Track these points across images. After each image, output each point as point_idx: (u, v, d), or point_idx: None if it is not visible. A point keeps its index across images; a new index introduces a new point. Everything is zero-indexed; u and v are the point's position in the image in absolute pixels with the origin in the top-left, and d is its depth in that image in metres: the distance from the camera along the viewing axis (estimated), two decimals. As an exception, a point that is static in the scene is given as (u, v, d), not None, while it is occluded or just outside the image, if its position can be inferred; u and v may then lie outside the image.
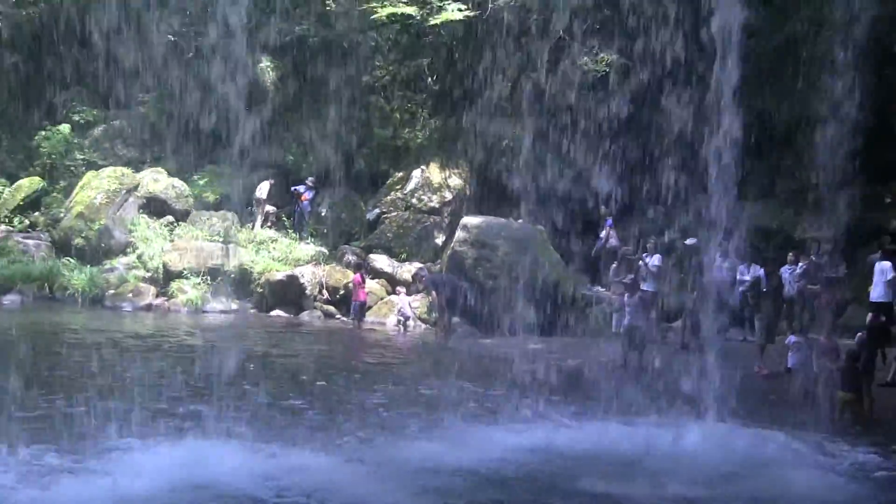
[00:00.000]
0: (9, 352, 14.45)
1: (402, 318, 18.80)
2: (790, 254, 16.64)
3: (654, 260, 17.07)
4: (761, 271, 16.20)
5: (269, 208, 22.77)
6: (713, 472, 8.71)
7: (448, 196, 22.27)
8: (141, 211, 22.11)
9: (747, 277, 16.65)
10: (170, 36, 23.84)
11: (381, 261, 20.90)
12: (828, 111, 15.18)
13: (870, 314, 13.59)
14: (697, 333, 15.12)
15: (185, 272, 20.49)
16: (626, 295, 15.10)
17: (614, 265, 18.06)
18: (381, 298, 20.06)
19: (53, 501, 6.95)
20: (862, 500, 8.15)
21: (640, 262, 17.11)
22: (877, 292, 14.00)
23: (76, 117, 24.58)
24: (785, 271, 16.46)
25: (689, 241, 16.64)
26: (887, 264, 14.39)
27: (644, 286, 16.11)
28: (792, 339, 12.68)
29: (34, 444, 8.43)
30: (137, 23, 22.74)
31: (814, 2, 16.81)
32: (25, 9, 24.96)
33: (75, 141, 24.25)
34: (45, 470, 7.75)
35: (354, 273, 19.50)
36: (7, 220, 22.92)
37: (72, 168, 23.71)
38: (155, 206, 22.28)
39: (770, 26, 17.67)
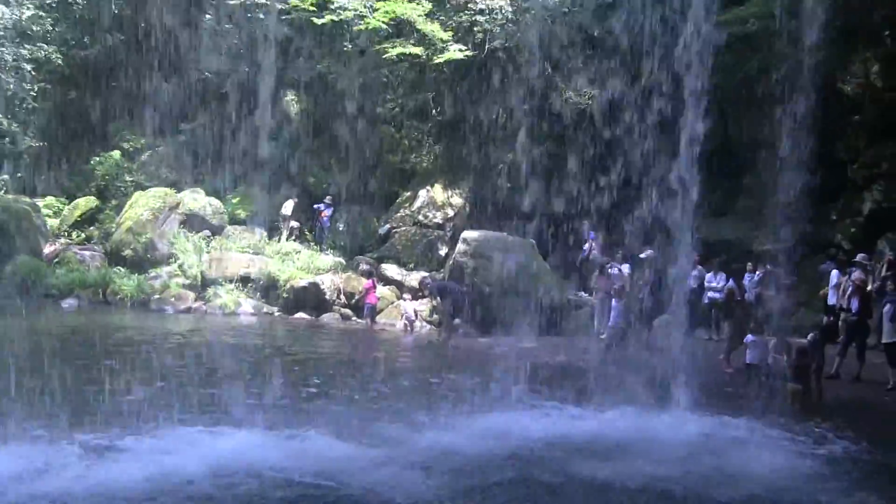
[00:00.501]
0: (73, 347, 14.65)
1: (407, 322, 18.88)
2: (749, 263, 16.76)
3: (624, 269, 17.18)
4: (732, 281, 16.14)
5: (293, 223, 22.78)
6: (682, 453, 8.76)
7: (450, 213, 22.29)
8: (181, 226, 22.13)
9: (714, 284, 16.76)
10: (207, 73, 24.04)
11: (391, 270, 20.97)
12: (782, 138, 15.33)
13: (825, 317, 13.76)
14: (649, 329, 15.31)
15: (220, 280, 20.55)
16: (614, 299, 15.20)
17: (596, 273, 18.17)
18: (392, 303, 20.09)
19: (117, 477, 7.00)
20: (808, 475, 8.19)
21: (611, 270, 17.16)
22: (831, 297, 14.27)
23: (126, 144, 24.72)
24: (745, 279, 16.60)
25: (643, 254, 16.67)
26: (836, 272, 14.60)
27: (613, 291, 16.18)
28: (750, 338, 12.70)
29: (98, 426, 8.55)
30: (179, 62, 22.98)
31: (766, 45, 16.94)
32: (83, 50, 25.18)
33: (125, 165, 24.40)
34: (109, 448, 7.84)
35: (367, 280, 19.57)
36: (66, 234, 23.16)
37: (122, 189, 23.83)
38: (194, 222, 22.32)
39: (731, 65, 17.82)
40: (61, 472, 7.13)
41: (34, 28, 24.46)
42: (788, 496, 7.43)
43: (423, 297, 19.91)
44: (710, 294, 16.72)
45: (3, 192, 23.70)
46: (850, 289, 13.25)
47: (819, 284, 15.59)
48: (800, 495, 7.48)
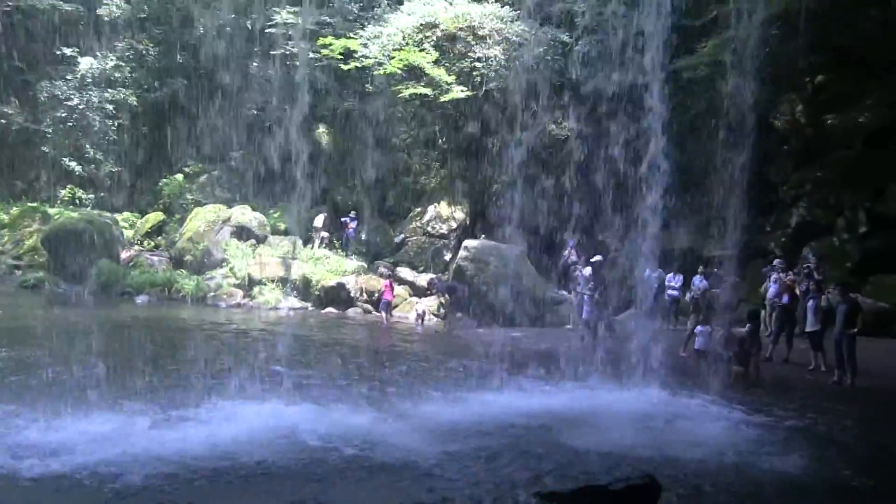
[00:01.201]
0: (146, 334, 14.71)
1: (419, 315, 18.97)
2: (700, 266, 16.82)
3: (586, 271, 17.18)
4: (706, 282, 15.71)
5: (324, 234, 22.82)
6: (643, 423, 8.81)
7: (454, 225, 22.32)
8: (232, 236, 22.17)
9: (673, 283, 16.73)
10: (253, 110, 24.26)
11: (405, 272, 21.00)
12: (726, 163, 15.45)
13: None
14: (596, 321, 15.25)
15: (264, 280, 20.57)
16: (585, 296, 15.21)
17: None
18: (405, 299, 20.18)
19: (181, 439, 7.12)
20: (746, 439, 8.31)
21: (576, 273, 17.16)
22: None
23: (187, 169, 24.83)
24: (695, 279, 16.64)
25: (593, 259, 16.72)
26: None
27: (579, 289, 16.11)
28: (699, 328, 12.80)
29: (163, 400, 8.65)
30: (230, 100, 23.22)
31: (713, 86, 17.07)
32: (153, 93, 25.44)
33: (186, 186, 24.51)
34: (174, 418, 7.97)
35: (384, 280, 19.61)
36: (139, 243, 23.27)
37: (183, 205, 23.93)
38: (242, 233, 22.34)
39: (685, 102, 17.93)
40: (138, 437, 7.21)
41: (115, 75, 24.75)
42: (730, 458, 7.50)
43: (431, 294, 20.03)
44: (669, 292, 16.70)
45: (89, 208, 23.94)
46: (778, 287, 13.35)
47: (757, 283, 15.65)
48: (740, 456, 7.56)
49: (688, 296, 16.37)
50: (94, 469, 6.26)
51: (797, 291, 13.34)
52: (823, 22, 16.56)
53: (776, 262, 14.79)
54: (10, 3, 23.96)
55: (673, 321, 16.70)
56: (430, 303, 19.68)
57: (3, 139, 25.31)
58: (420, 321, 18.79)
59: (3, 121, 25.09)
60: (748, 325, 11.89)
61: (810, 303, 12.47)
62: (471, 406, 9.30)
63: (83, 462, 6.44)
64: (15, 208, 23.83)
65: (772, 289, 13.90)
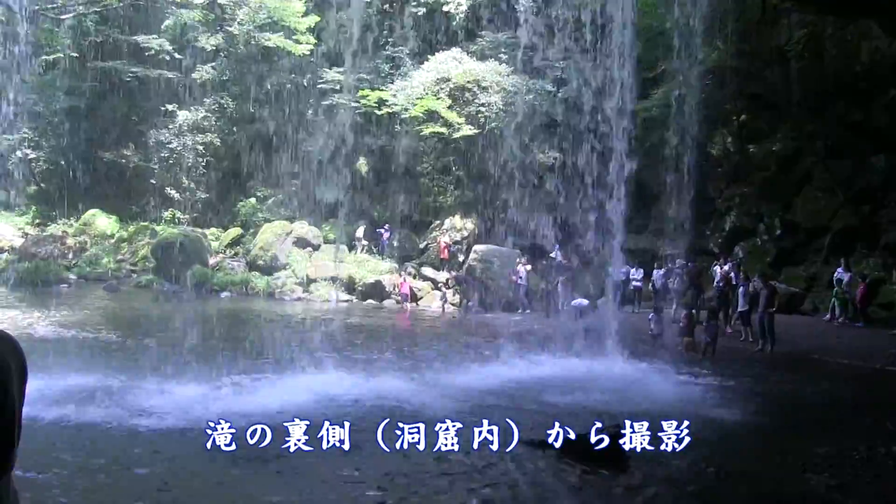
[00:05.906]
0: (228, 320, 14.94)
1: (441, 303, 19.02)
2: (656, 263, 16.68)
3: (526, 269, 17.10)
4: (666, 280, 15.50)
5: (364, 242, 22.71)
6: (616, 385, 8.82)
7: (465, 234, 22.08)
8: (293, 245, 22.13)
9: (636, 276, 16.60)
10: (309, 147, 24.45)
11: (428, 271, 20.97)
12: (676, 183, 15.41)
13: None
14: (554, 308, 15.21)
15: (318, 279, 20.54)
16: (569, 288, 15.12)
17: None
18: (428, 292, 20.13)
19: (244, 404, 7.02)
20: (693, 397, 8.28)
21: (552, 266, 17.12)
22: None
23: (259, 194, 24.85)
24: (655, 273, 16.53)
25: (552, 254, 16.56)
26: (716, 267, 14.48)
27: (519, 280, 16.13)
28: (651, 315, 12.69)
29: (236, 370, 8.73)
30: (291, 140, 23.45)
31: (663, 123, 17.02)
32: (232, 136, 25.69)
33: (258, 207, 24.55)
34: (240, 385, 8.03)
35: (401, 279, 19.60)
36: (223, 252, 23.37)
37: (256, 222, 23.93)
38: (301, 242, 22.28)
39: (642, 136, 17.77)
40: (220, 399, 7.32)
41: (204, 124, 25.09)
42: (684, 410, 7.47)
43: (449, 287, 20.04)
44: (633, 283, 16.61)
45: (185, 225, 24.28)
46: (718, 276, 13.26)
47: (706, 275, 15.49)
48: (692, 408, 7.56)
49: (650, 286, 16.25)
50: (195, 425, 6.33)
51: (731, 281, 13.22)
52: (743, 75, 16.96)
53: (677, 261, 14.82)
54: (132, 74, 24.56)
55: (637, 306, 16.59)
56: (450, 293, 19.69)
57: (123, 174, 25.83)
58: (442, 305, 18.72)
59: (123, 161, 25.60)
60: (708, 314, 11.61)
61: (741, 289, 12.42)
62: (481, 375, 9.29)
63: (186, 419, 6.58)
64: (131, 227, 24.22)
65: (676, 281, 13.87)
